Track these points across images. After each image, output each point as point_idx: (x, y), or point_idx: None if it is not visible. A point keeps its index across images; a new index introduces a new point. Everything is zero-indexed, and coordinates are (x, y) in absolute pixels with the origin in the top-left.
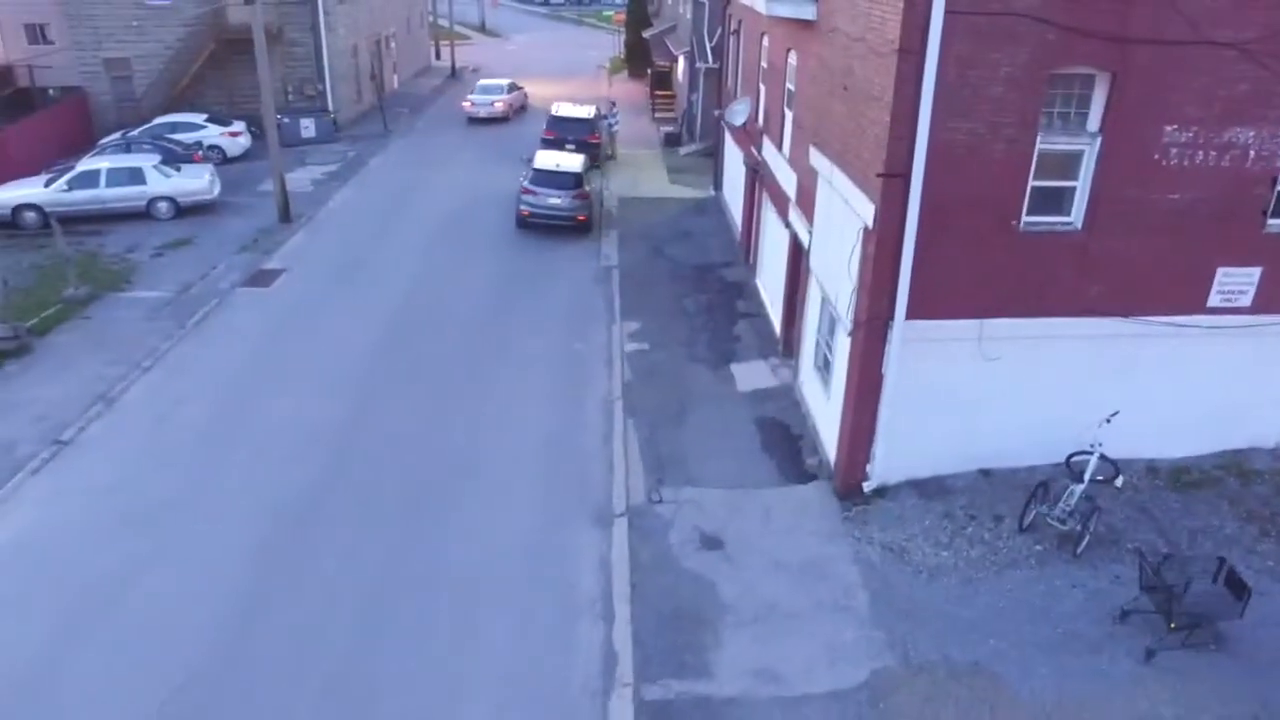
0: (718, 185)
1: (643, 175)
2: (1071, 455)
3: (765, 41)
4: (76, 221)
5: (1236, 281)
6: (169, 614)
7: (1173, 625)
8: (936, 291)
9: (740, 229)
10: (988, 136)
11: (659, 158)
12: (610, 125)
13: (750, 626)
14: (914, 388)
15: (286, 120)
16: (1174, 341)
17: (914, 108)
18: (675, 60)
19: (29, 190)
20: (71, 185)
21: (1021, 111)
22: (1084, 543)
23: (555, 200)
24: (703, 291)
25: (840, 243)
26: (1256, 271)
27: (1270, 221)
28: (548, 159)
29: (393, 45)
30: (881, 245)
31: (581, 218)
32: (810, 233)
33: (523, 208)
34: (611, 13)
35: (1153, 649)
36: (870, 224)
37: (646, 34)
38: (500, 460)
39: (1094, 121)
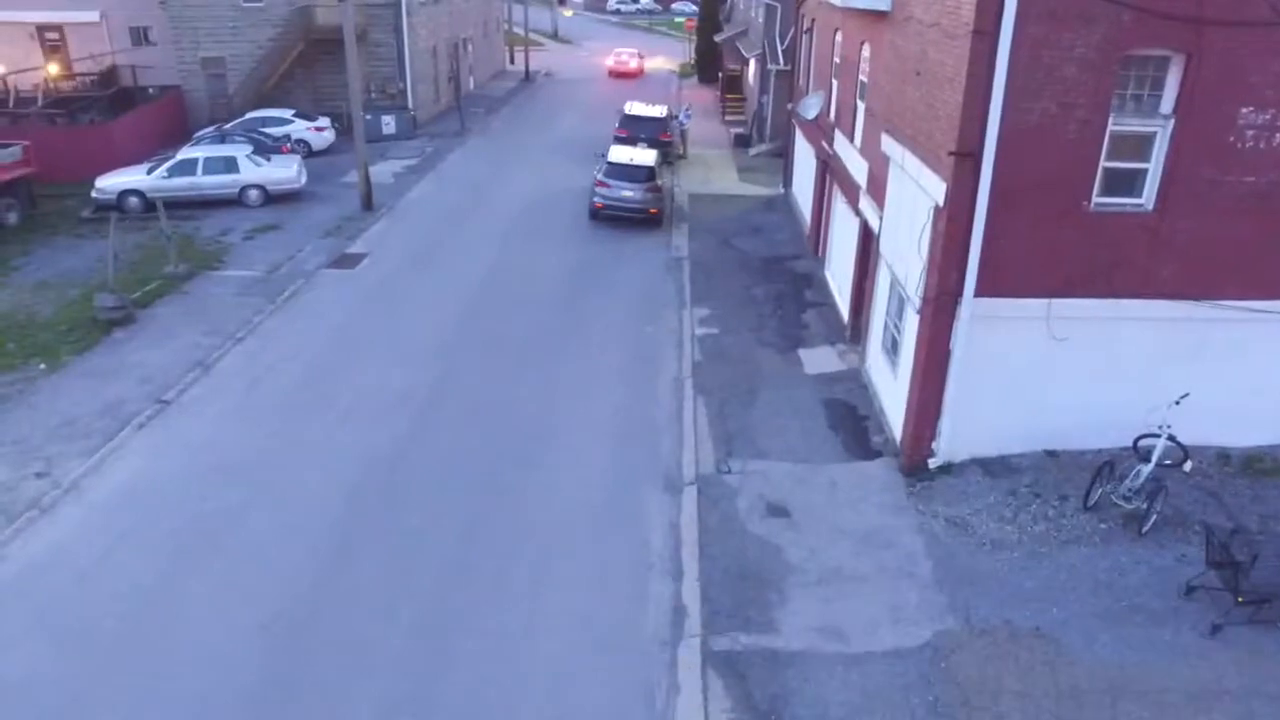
0: (787, 183)
1: (713, 173)
2: (1139, 438)
3: (838, 37)
4: (174, 207)
5: None
6: (266, 550)
7: (1240, 600)
8: (1005, 270)
9: (809, 223)
10: (1059, 117)
11: (729, 158)
12: (681, 124)
13: (815, 588)
14: (981, 366)
15: (369, 117)
16: (1248, 327)
17: (987, 88)
18: (745, 64)
19: (133, 177)
20: (171, 173)
21: (1094, 93)
22: (1150, 522)
23: (628, 193)
24: (771, 281)
25: (911, 223)
26: None
27: None
28: (621, 153)
29: (469, 48)
30: (952, 222)
31: (653, 210)
32: (881, 217)
33: (596, 200)
34: (683, 19)
35: (1219, 623)
36: (941, 202)
37: (718, 38)
38: (575, 429)
39: (1168, 103)
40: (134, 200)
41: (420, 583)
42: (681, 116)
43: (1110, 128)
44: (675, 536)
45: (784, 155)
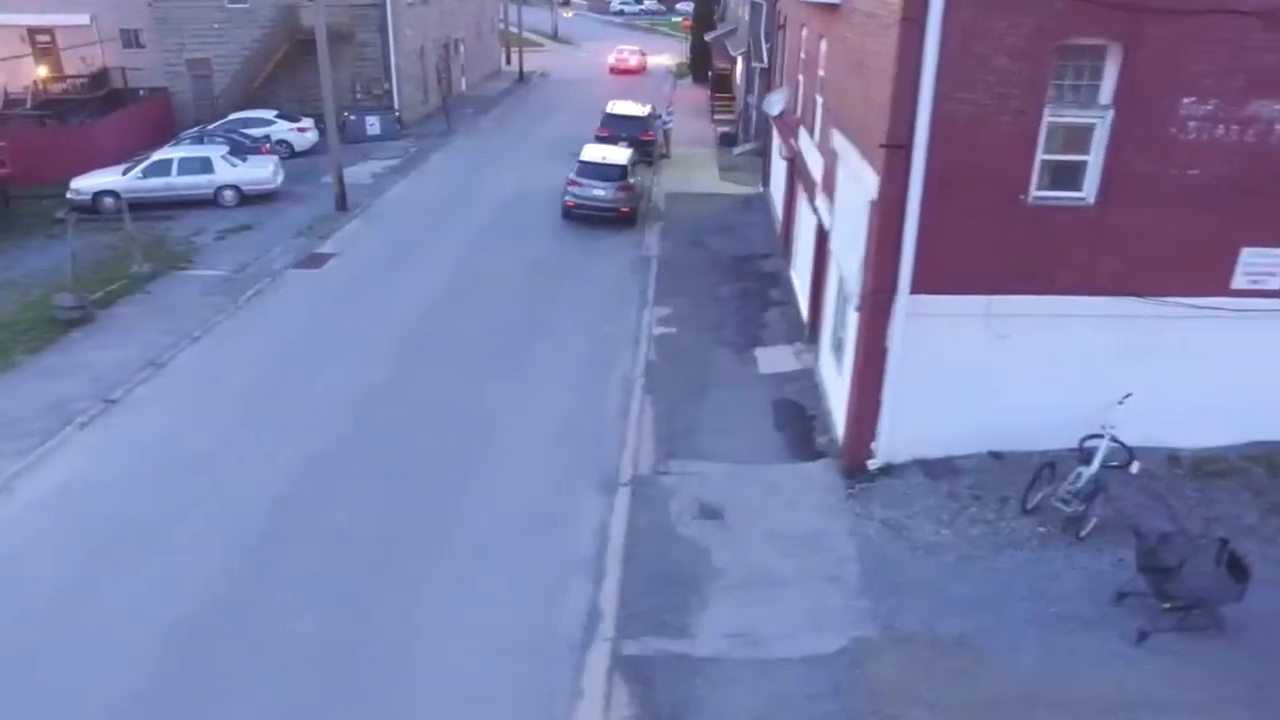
0: (765, 182)
1: (695, 173)
2: (1085, 439)
3: (803, 33)
4: (150, 207)
5: (1263, 262)
6: (189, 550)
7: (1166, 606)
8: (942, 266)
9: (780, 221)
10: (993, 108)
11: (713, 156)
12: (664, 124)
13: (737, 591)
14: (920, 365)
15: (353, 117)
16: (1198, 324)
17: (916, 78)
18: (734, 63)
19: (108, 178)
20: (146, 173)
21: (1028, 83)
22: (1089, 526)
23: (600, 191)
24: (738, 280)
25: (853, 219)
26: None
27: None
28: (594, 152)
29: (462, 49)
30: (885, 217)
31: (625, 209)
32: (831, 214)
33: (568, 198)
34: (679, 19)
35: (1146, 630)
36: (875, 196)
37: (708, 37)
38: (519, 430)
39: (1106, 94)
40: (109, 201)
41: (338, 583)
42: (664, 116)
43: (1047, 119)
44: (603, 538)
45: (764, 153)
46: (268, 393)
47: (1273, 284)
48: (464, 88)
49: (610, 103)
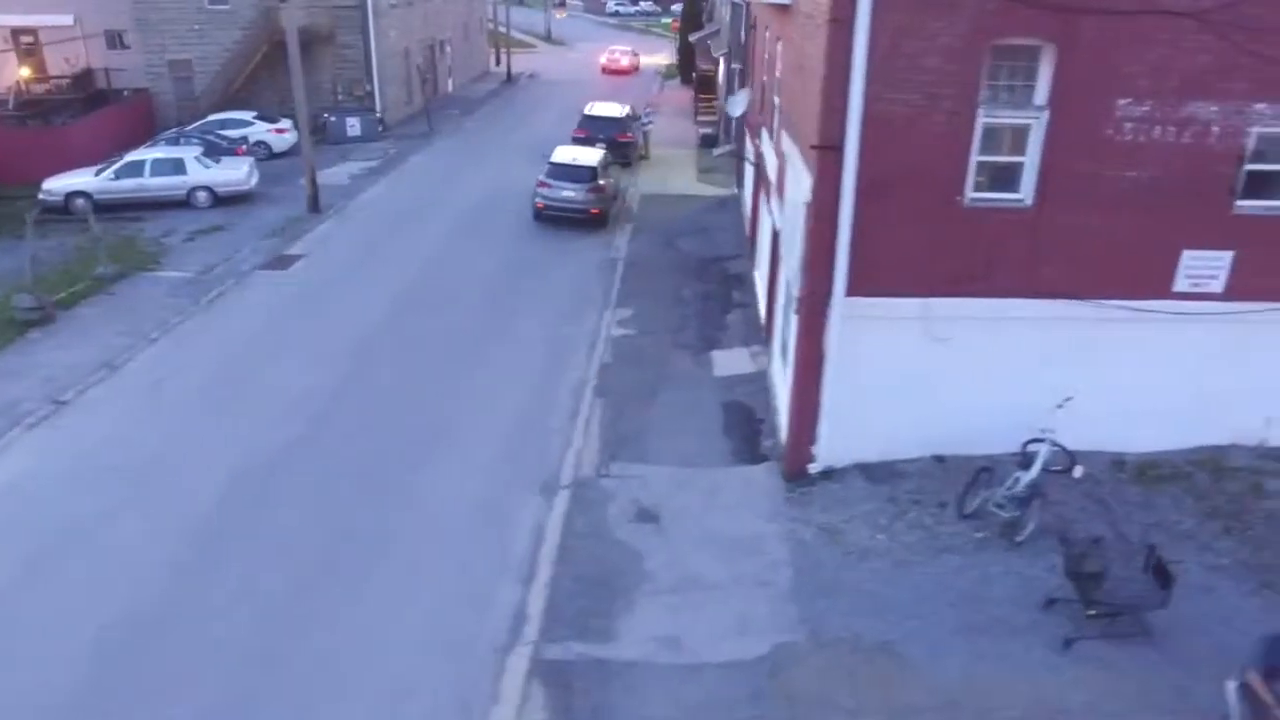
0: (739, 183)
1: (673, 174)
2: (1027, 442)
3: (766, 34)
4: (123, 208)
5: (1205, 265)
6: (129, 551)
7: (1091, 613)
8: (878, 268)
9: (748, 222)
10: (926, 109)
11: (693, 158)
12: (644, 125)
13: (666, 596)
14: (859, 368)
15: (333, 119)
16: (1141, 327)
17: (846, 79)
18: (717, 63)
19: (80, 179)
20: (118, 174)
21: (961, 84)
22: (1026, 531)
23: (569, 193)
24: (702, 282)
25: (795, 221)
26: (1227, 255)
27: (1239, 203)
28: (565, 153)
29: (448, 50)
30: (818, 219)
31: (595, 211)
32: (781, 215)
33: (538, 200)
34: (669, 20)
35: (1071, 637)
36: (809, 198)
37: (692, 38)
38: (468, 432)
39: (1041, 95)
40: (80, 202)
41: (272, 585)
42: (644, 117)
43: (981, 120)
44: (537, 540)
45: (740, 155)
46: (220, 394)
47: (1214, 287)
48: (451, 89)
49: (589, 104)
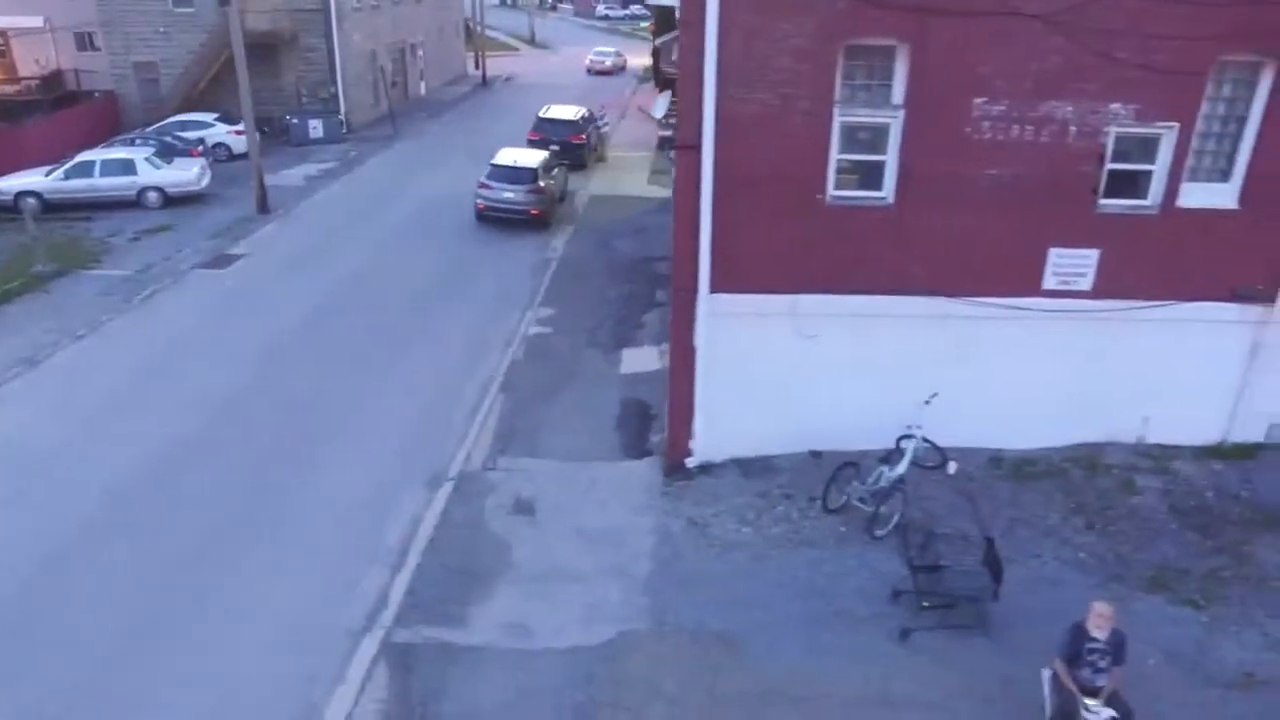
0: None
1: (626, 176)
2: (900, 438)
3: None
4: (74, 208)
5: (1072, 263)
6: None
7: (925, 604)
8: (742, 265)
9: None
10: (781, 109)
11: (648, 160)
12: (599, 127)
13: (525, 584)
14: (730, 364)
15: (296, 121)
16: (1014, 325)
17: (699, 79)
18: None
19: (30, 179)
20: (68, 175)
21: (815, 83)
22: (888, 526)
23: (509, 194)
24: (630, 282)
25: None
26: (1094, 253)
27: (1103, 202)
28: (506, 155)
29: (420, 53)
30: (682, 218)
31: (535, 212)
32: None
33: (479, 201)
34: (647, 24)
35: (908, 629)
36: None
37: (657, 41)
38: (369, 429)
39: (898, 94)
40: (31, 201)
41: (141, 572)
42: (600, 119)
43: (838, 119)
44: (413, 531)
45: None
46: (132, 390)
47: (1083, 285)
48: (423, 92)
49: (545, 107)
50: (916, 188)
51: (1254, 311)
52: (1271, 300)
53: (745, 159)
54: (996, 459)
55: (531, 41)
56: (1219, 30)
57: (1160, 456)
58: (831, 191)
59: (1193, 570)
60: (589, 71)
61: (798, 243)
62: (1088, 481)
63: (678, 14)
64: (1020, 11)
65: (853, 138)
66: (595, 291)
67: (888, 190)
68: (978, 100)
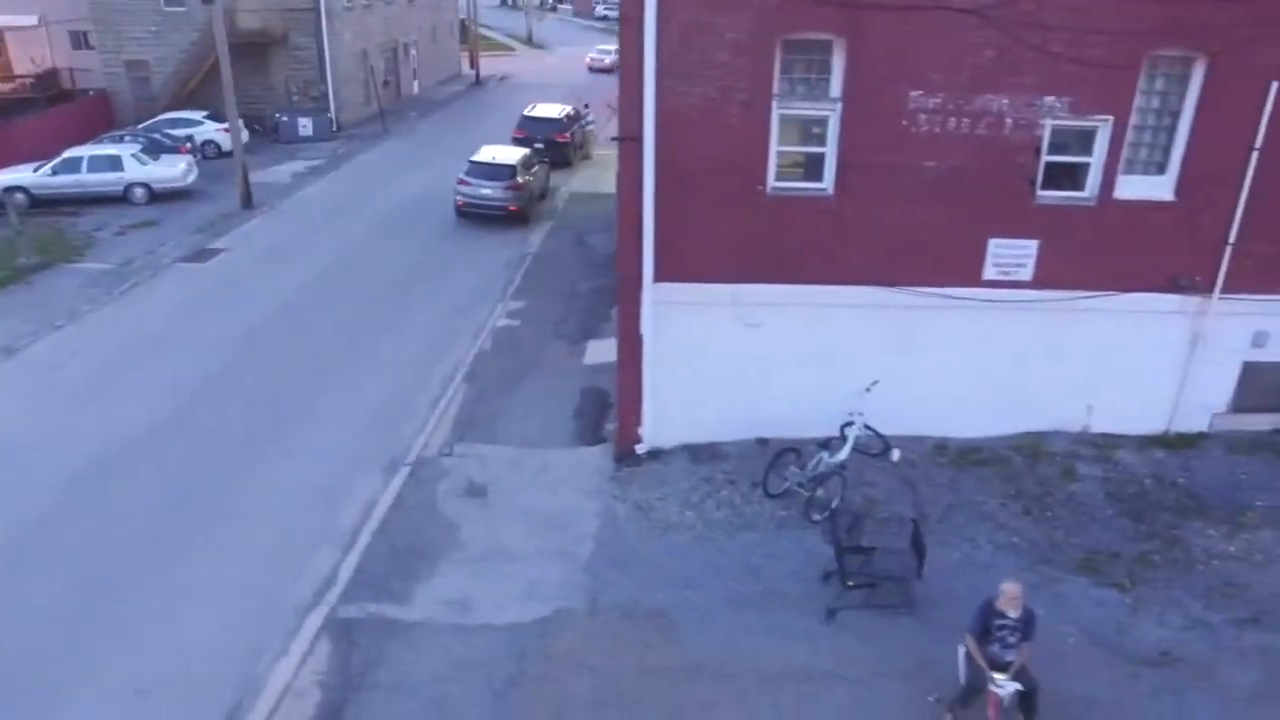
0: None
1: (608, 173)
2: (843, 425)
3: None
4: (60, 203)
5: (1012, 254)
6: None
7: (850, 584)
8: (685, 254)
9: None
10: (720, 101)
11: None
12: (585, 125)
13: (470, 564)
14: (677, 352)
15: (285, 119)
16: (958, 315)
17: (640, 73)
18: None
19: (18, 174)
20: (55, 170)
21: (754, 77)
22: (826, 510)
23: (487, 190)
24: (601, 277)
25: None
26: (1033, 244)
27: (1041, 193)
28: (485, 152)
29: (413, 53)
30: (625, 208)
31: (513, 208)
32: None
33: (458, 197)
34: None
35: (834, 608)
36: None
37: None
38: (334, 416)
39: (836, 87)
40: (19, 197)
41: (102, 549)
42: (586, 118)
43: (778, 112)
44: (367, 513)
45: None
46: (106, 378)
47: (1023, 275)
48: (416, 90)
49: (530, 105)
50: (856, 179)
51: (1193, 302)
52: (1209, 291)
53: (686, 151)
54: (941, 447)
55: (529, 42)
56: (1150, 26)
57: (1104, 445)
58: (772, 183)
59: (1123, 554)
60: (590, 69)
61: (739, 233)
62: (1029, 469)
63: (618, 10)
64: (951, 6)
65: (792, 130)
66: (567, 285)
67: (828, 182)
68: (914, 93)
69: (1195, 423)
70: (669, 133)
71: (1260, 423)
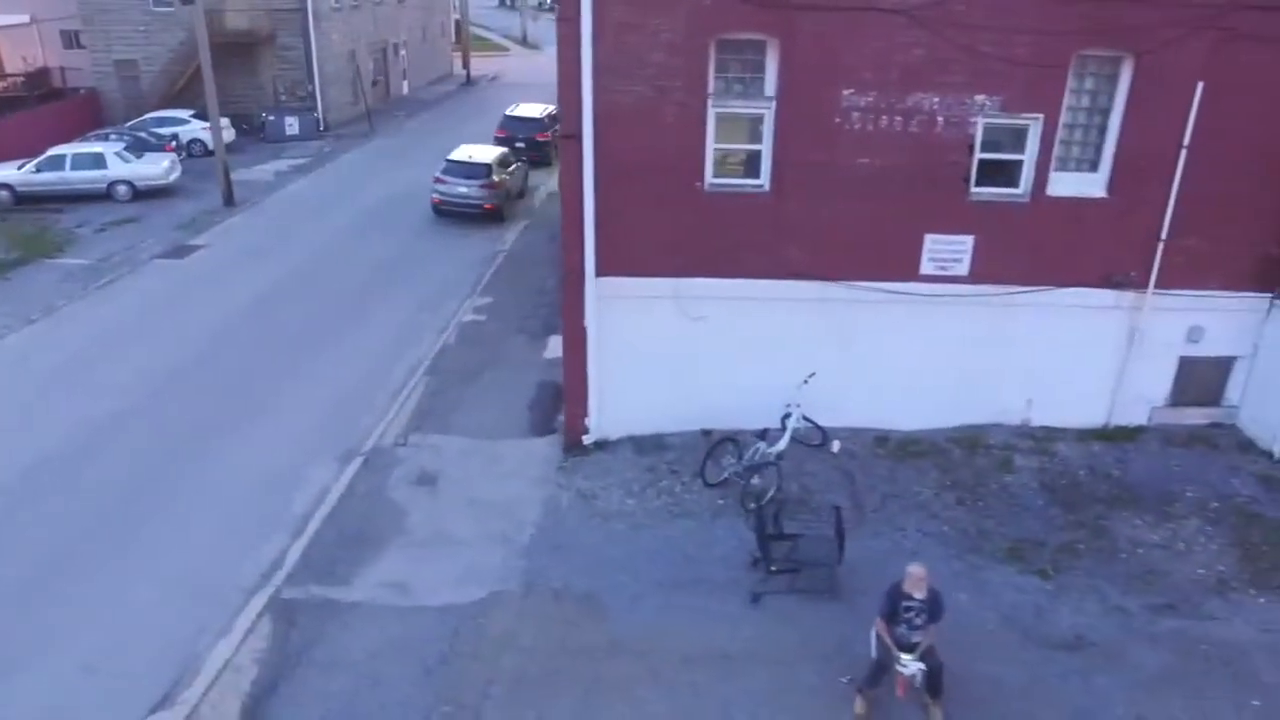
0: None
1: None
2: (783, 417)
3: None
4: (44, 200)
5: (948, 249)
6: None
7: (773, 569)
8: (628, 249)
9: None
10: (656, 100)
11: None
12: None
13: (413, 549)
14: (620, 344)
15: (272, 118)
16: (896, 309)
17: (577, 72)
18: None
19: (2, 172)
20: (40, 168)
21: (688, 75)
22: (765, 499)
23: (463, 189)
24: None
25: None
26: (969, 239)
27: (975, 190)
28: (462, 151)
29: (402, 53)
30: (567, 204)
31: (489, 206)
32: None
33: (434, 195)
34: None
35: (758, 592)
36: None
37: None
38: (295, 407)
39: (770, 86)
40: (3, 194)
41: (61, 532)
42: None
43: (713, 110)
44: (319, 501)
45: None
46: (76, 369)
47: (960, 270)
48: (406, 90)
49: (513, 105)
50: (792, 176)
51: (1128, 298)
52: (1144, 287)
53: (625, 148)
54: (882, 439)
55: (523, 42)
56: (1076, 26)
57: (1044, 438)
58: (710, 179)
59: (1049, 542)
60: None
61: (679, 228)
62: (966, 460)
63: (556, 9)
64: (879, 6)
65: (729, 128)
66: (534, 282)
67: (765, 179)
68: (846, 92)
69: (1134, 416)
70: (608, 131)
71: (1197, 416)
